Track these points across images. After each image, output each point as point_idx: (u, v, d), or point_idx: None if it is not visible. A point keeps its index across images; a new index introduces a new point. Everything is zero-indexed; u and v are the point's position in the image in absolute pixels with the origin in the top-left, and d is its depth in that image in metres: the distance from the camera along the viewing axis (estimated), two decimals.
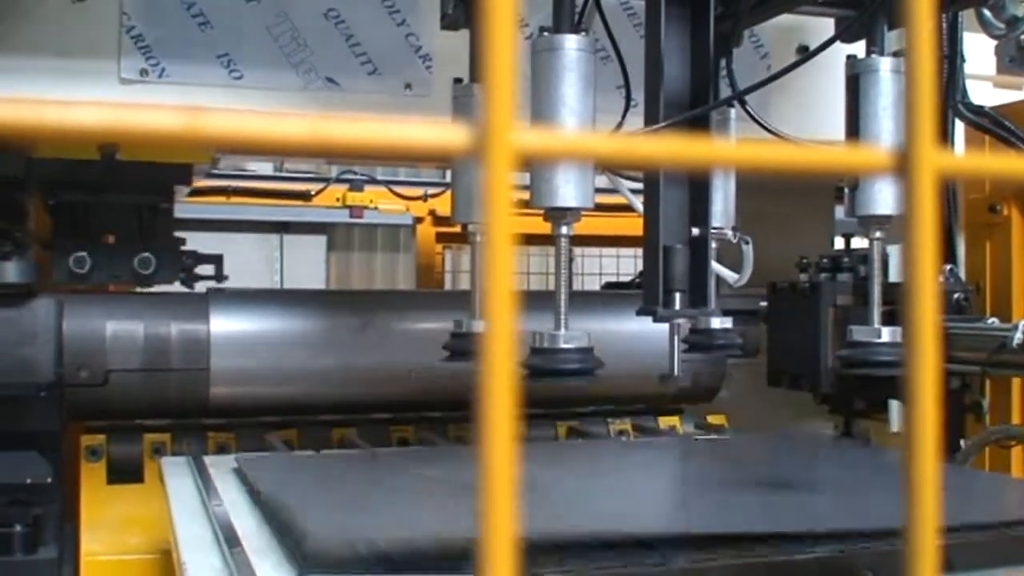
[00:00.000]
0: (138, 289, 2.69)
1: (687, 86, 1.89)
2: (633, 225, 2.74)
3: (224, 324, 2.58)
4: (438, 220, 5.12)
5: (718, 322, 2.03)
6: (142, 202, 2.57)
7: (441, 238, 5.30)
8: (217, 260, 2.75)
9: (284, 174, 5.47)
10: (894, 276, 2.56)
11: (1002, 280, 2.57)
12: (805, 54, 2.39)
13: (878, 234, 1.88)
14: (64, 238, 2.54)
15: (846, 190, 1.91)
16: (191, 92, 2.23)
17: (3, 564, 2.28)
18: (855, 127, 1.85)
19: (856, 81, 1.87)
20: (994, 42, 2.73)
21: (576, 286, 5.09)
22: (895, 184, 0.39)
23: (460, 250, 5.52)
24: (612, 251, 5.59)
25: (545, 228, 1.78)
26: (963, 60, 2.58)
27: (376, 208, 5.19)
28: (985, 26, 2.56)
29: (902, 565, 0.44)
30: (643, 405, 2.93)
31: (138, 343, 2.54)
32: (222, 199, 4.95)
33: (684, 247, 1.84)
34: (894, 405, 2.68)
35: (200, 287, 2.72)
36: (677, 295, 1.83)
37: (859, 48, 1.92)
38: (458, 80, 2.00)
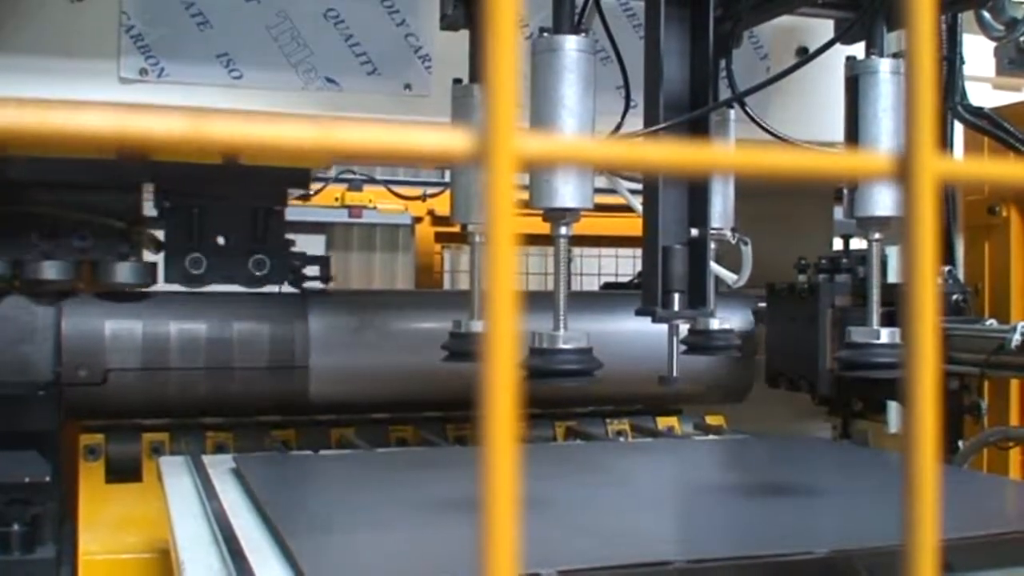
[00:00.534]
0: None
1: (687, 87, 1.89)
2: (632, 225, 2.74)
3: (322, 323, 2.64)
4: (437, 220, 5.12)
5: (717, 323, 2.03)
6: (258, 205, 2.64)
7: (440, 238, 5.31)
8: (324, 261, 2.82)
9: None
10: (893, 277, 2.56)
11: (1001, 281, 2.57)
12: (805, 56, 2.39)
13: (877, 235, 1.88)
14: (177, 240, 2.61)
15: (845, 191, 1.91)
16: (190, 92, 2.23)
17: (1, 563, 2.28)
18: (854, 128, 1.85)
19: (856, 82, 1.87)
20: (993, 44, 2.73)
21: (575, 286, 5.09)
22: (895, 188, 0.39)
23: (459, 250, 5.52)
24: (611, 251, 5.59)
25: (544, 228, 1.78)
26: (962, 62, 2.58)
27: (375, 208, 5.19)
28: (984, 28, 2.56)
29: (901, 566, 0.44)
30: (641, 406, 2.93)
31: (200, 342, 2.60)
32: None
33: (683, 248, 1.84)
34: (892, 406, 2.68)
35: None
36: (676, 296, 1.83)
37: (859, 50, 1.92)
38: (457, 81, 2.00)
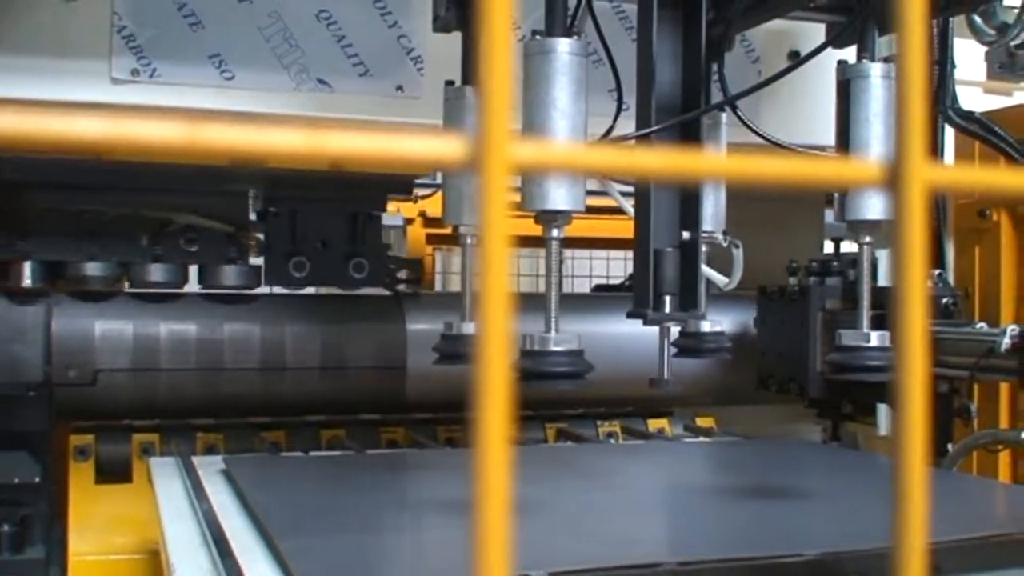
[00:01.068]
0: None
1: (678, 90, 1.90)
2: (623, 228, 2.75)
3: (418, 325, 2.71)
4: (428, 221, 5.12)
5: (708, 325, 2.03)
6: (359, 210, 2.72)
7: (431, 239, 5.30)
8: (415, 265, 2.95)
9: None
10: (883, 280, 2.57)
11: (991, 285, 2.58)
12: (796, 60, 2.40)
13: (867, 239, 1.89)
14: (280, 244, 2.69)
15: (836, 195, 1.92)
16: (182, 92, 2.22)
17: None
18: (846, 133, 1.86)
19: (847, 86, 1.87)
20: (984, 48, 2.74)
21: (566, 288, 5.09)
22: (885, 194, 0.39)
23: (450, 251, 5.51)
24: (602, 254, 5.59)
25: (536, 230, 1.79)
26: (953, 66, 2.59)
27: None
28: (976, 33, 2.57)
29: (890, 568, 0.44)
30: (631, 408, 2.94)
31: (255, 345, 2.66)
32: None
33: (674, 251, 1.85)
34: (882, 409, 2.68)
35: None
36: (667, 298, 1.84)
37: (850, 54, 1.92)
38: (450, 82, 2.00)
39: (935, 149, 2.61)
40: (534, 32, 1.75)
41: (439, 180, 3.29)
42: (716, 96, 1.99)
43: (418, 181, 5.29)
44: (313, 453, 2.42)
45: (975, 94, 2.79)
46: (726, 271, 2.08)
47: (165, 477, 2.04)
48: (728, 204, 2.03)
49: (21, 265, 2.54)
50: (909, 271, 0.38)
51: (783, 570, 1.39)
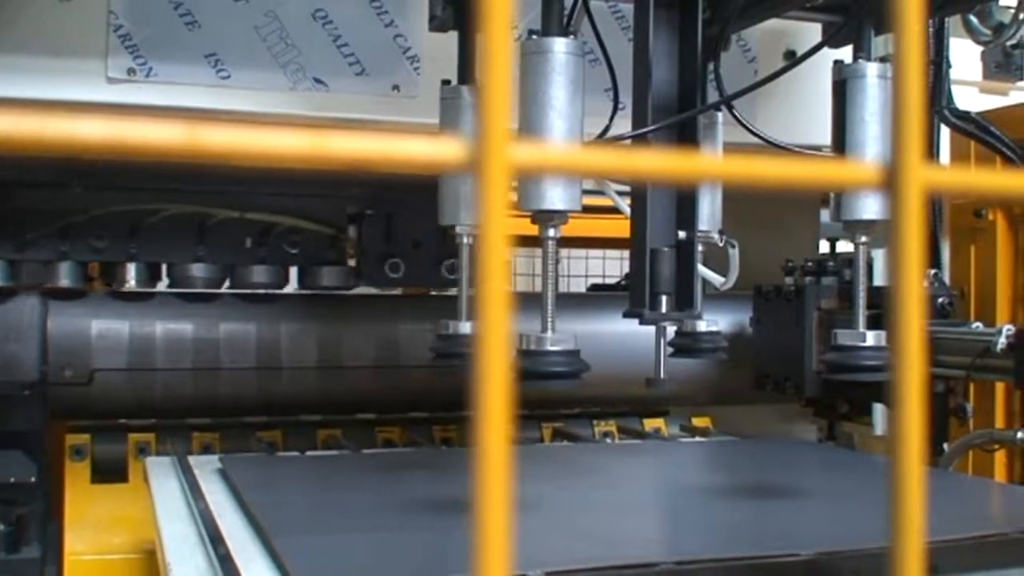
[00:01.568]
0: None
1: (675, 90, 1.90)
2: (619, 227, 2.74)
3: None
4: None
5: (704, 325, 2.04)
6: None
7: None
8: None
9: None
10: (879, 280, 2.57)
11: (987, 284, 2.59)
12: (793, 59, 2.40)
13: (863, 239, 1.89)
14: (374, 245, 2.76)
15: (832, 195, 1.92)
16: (178, 92, 2.22)
17: None
18: (841, 132, 1.86)
19: (843, 86, 1.87)
20: (980, 48, 2.75)
21: (562, 287, 5.09)
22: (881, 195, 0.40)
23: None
24: (598, 253, 5.59)
25: (532, 230, 1.79)
26: (949, 66, 2.59)
27: None
28: (972, 32, 2.57)
29: (886, 568, 0.44)
30: (627, 407, 2.94)
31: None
32: None
33: (671, 250, 1.85)
34: (878, 409, 2.69)
35: None
36: (663, 298, 1.84)
37: (846, 53, 1.93)
38: (446, 82, 2.00)
39: (931, 149, 2.61)
40: (530, 32, 1.75)
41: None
42: (712, 96, 2.00)
43: None
44: (309, 453, 2.42)
45: (971, 94, 2.80)
46: (722, 271, 2.09)
47: (161, 476, 2.04)
48: (724, 204, 2.03)
49: (126, 267, 2.65)
50: (906, 272, 0.39)
51: (779, 570, 1.39)
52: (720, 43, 2.04)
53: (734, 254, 2.06)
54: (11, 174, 2.53)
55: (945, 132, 2.63)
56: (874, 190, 0.38)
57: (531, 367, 1.73)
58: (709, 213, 1.98)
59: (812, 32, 2.24)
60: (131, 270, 2.67)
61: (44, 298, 2.53)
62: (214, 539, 1.54)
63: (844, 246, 2.82)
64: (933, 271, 2.59)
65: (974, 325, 2.45)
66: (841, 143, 1.85)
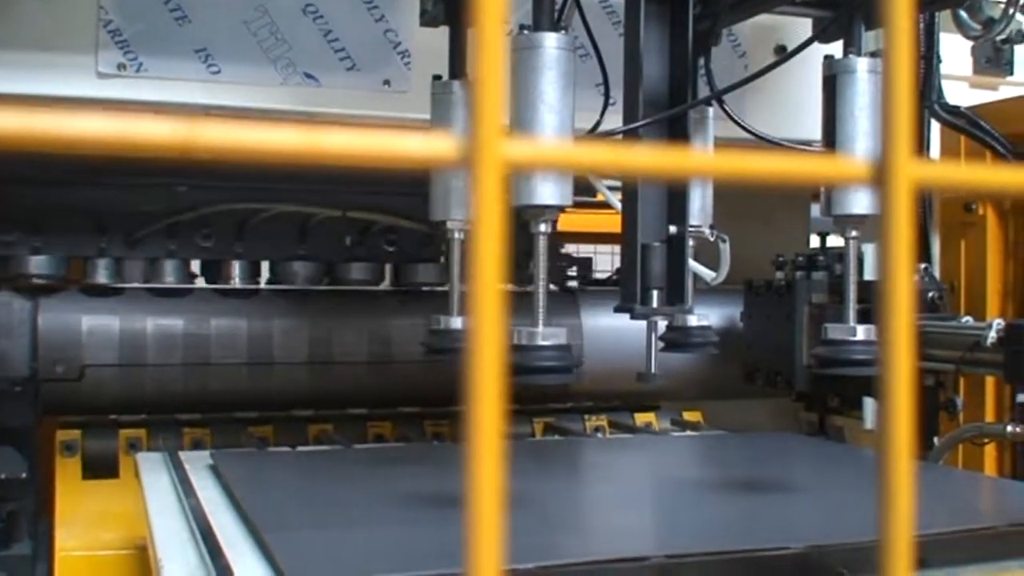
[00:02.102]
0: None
1: (666, 85, 1.90)
2: (610, 222, 2.75)
3: (591, 320, 2.83)
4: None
5: (694, 319, 2.04)
6: None
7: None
8: (586, 263, 3.12)
9: None
10: (869, 274, 2.58)
11: (977, 279, 2.59)
12: (783, 54, 2.41)
13: (853, 233, 1.89)
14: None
15: (822, 189, 1.92)
16: (169, 87, 2.22)
17: None
18: (832, 127, 1.86)
19: (833, 81, 1.88)
20: (970, 43, 2.75)
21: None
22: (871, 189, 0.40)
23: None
24: (589, 247, 5.59)
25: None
26: (939, 60, 2.59)
27: None
28: (961, 27, 2.58)
29: (876, 561, 0.44)
30: (619, 402, 2.95)
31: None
32: None
33: (662, 245, 1.85)
34: (868, 403, 2.69)
35: None
36: (655, 293, 1.84)
37: (836, 48, 1.93)
38: (437, 77, 2.00)
39: (921, 144, 2.62)
40: (522, 27, 1.75)
41: None
42: (703, 91, 2.00)
43: None
44: (300, 448, 2.42)
45: (962, 89, 2.80)
46: (712, 266, 2.09)
47: (152, 472, 2.04)
48: (715, 199, 2.03)
49: (231, 264, 2.71)
50: (895, 266, 0.39)
51: (769, 563, 1.39)
52: (711, 38, 2.05)
53: (725, 249, 2.06)
54: (119, 176, 2.59)
55: (936, 127, 2.64)
56: (864, 185, 0.38)
57: (522, 362, 1.73)
58: (700, 208, 1.98)
59: (802, 27, 2.24)
60: (235, 267, 2.73)
61: (34, 294, 2.53)
62: (205, 535, 1.54)
63: (835, 240, 2.83)
64: (923, 265, 2.60)
65: (964, 319, 2.46)
66: (831, 138, 1.85)
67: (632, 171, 0.35)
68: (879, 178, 0.37)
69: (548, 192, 1.69)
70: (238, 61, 2.27)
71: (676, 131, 1.90)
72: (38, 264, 2.56)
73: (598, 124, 2.02)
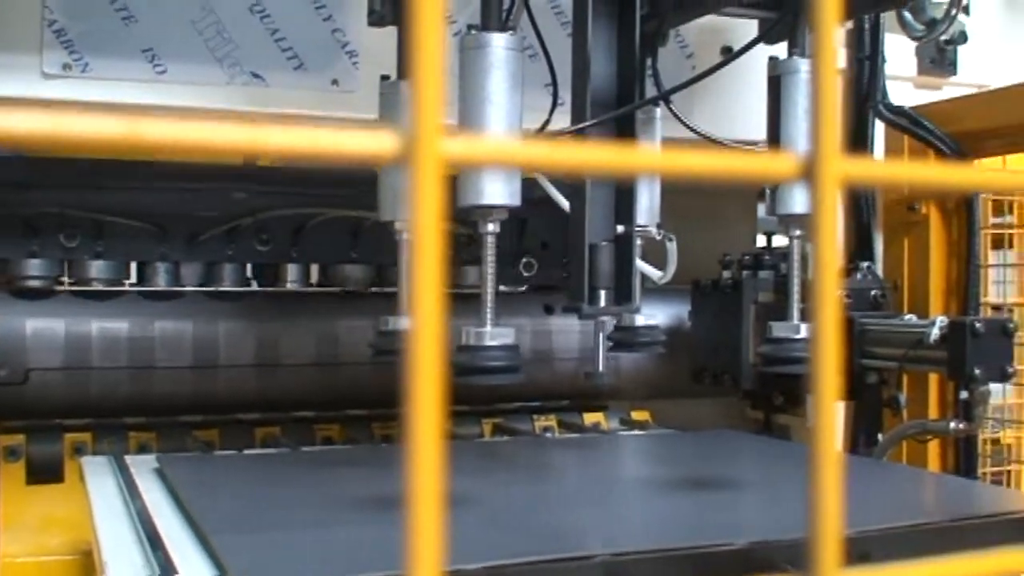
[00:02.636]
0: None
1: (614, 84, 1.91)
2: None
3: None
4: None
5: (642, 319, 2.05)
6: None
7: None
8: None
9: None
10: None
11: (920, 277, 2.62)
12: (729, 55, 2.42)
13: (797, 232, 1.91)
14: (507, 245, 2.78)
15: (767, 189, 1.94)
16: (115, 87, 2.20)
17: None
18: (776, 127, 1.88)
19: (777, 82, 1.90)
20: (915, 44, 2.79)
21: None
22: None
23: None
24: None
25: None
26: (884, 61, 2.63)
27: None
28: (905, 28, 2.61)
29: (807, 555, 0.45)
30: (567, 401, 2.96)
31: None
32: None
33: (609, 245, 1.86)
34: (810, 400, 2.72)
35: None
36: (602, 292, 1.85)
37: (782, 50, 1.95)
38: (385, 77, 2.00)
39: (865, 143, 2.65)
40: (469, 27, 1.75)
41: None
42: (651, 90, 2.01)
43: None
44: (247, 451, 2.40)
45: (907, 89, 2.84)
46: (659, 265, 2.10)
47: (98, 476, 2.02)
48: (662, 198, 2.05)
49: (286, 267, 2.76)
50: (822, 259, 0.40)
51: (713, 559, 1.40)
52: (658, 38, 2.06)
53: (672, 248, 2.08)
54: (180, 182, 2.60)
55: (880, 127, 2.67)
56: (793, 181, 0.39)
57: (469, 362, 1.73)
58: (647, 207, 1.99)
59: (749, 28, 2.26)
60: (291, 271, 2.77)
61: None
62: (151, 538, 1.53)
63: (781, 240, 2.85)
64: (866, 264, 2.63)
65: (907, 317, 2.49)
66: (776, 137, 1.87)
67: (568, 167, 0.36)
68: (807, 174, 0.38)
69: (496, 192, 1.69)
70: (185, 61, 2.25)
71: (624, 131, 1.91)
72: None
73: (546, 124, 2.03)
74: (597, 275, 1.84)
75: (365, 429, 2.74)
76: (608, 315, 1.92)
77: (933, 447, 2.56)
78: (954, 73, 2.90)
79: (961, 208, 2.57)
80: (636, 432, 2.78)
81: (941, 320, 2.28)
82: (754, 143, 2.25)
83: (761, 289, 2.64)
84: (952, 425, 2.35)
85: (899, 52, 2.77)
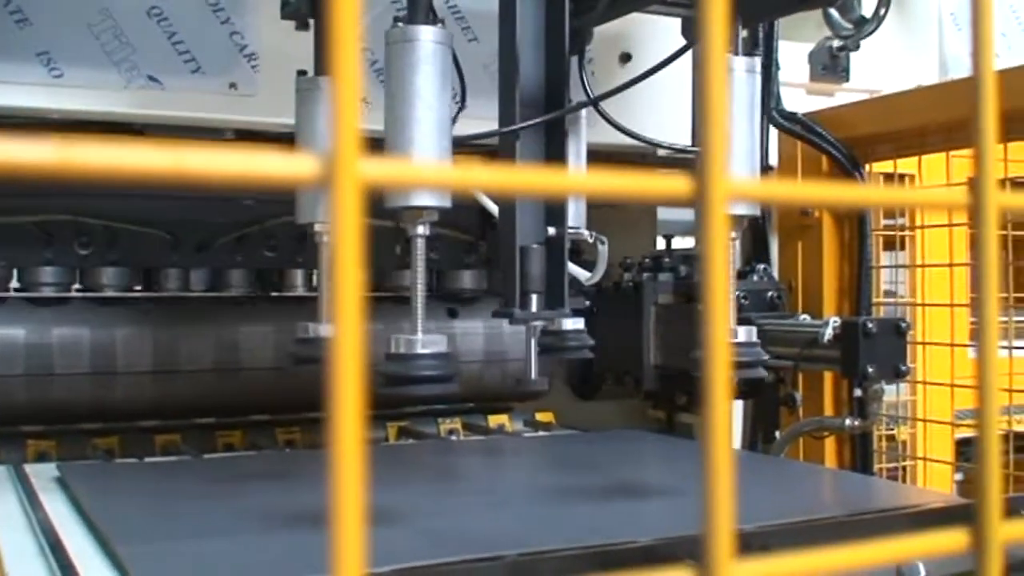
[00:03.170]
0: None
1: (542, 85, 1.88)
2: None
3: None
4: None
5: (570, 323, 2.03)
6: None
7: None
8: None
9: None
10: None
11: (813, 279, 2.68)
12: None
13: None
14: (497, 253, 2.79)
15: None
16: (10, 91, 2.16)
17: None
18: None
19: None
20: (807, 50, 2.85)
21: None
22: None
23: None
24: None
25: None
26: (778, 68, 2.67)
27: None
28: (832, 27, 2.65)
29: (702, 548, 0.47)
30: (472, 404, 2.97)
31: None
32: None
33: (540, 247, 1.83)
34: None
35: None
36: (534, 297, 1.81)
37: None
38: (302, 72, 1.98)
39: (764, 150, 2.70)
40: (396, 19, 1.71)
41: None
42: (577, 91, 1.99)
43: None
44: (148, 459, 2.37)
45: (799, 96, 2.90)
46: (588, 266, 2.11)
47: None
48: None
49: (293, 273, 2.84)
50: (711, 260, 0.41)
51: (619, 556, 1.43)
52: (585, 36, 2.04)
53: (603, 250, 2.08)
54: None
55: (774, 133, 2.72)
56: (683, 203, 0.41)
57: (400, 371, 1.68)
58: (576, 209, 1.97)
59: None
60: (297, 276, 2.84)
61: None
62: (55, 548, 1.51)
63: (680, 242, 2.90)
64: (762, 266, 2.68)
65: (802, 317, 2.54)
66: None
67: (486, 189, 0.37)
68: (697, 196, 0.40)
69: (426, 192, 1.64)
70: (81, 65, 2.22)
71: (553, 133, 1.88)
72: None
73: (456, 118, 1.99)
74: (528, 279, 1.80)
75: (268, 435, 2.72)
76: (540, 320, 1.88)
77: (830, 444, 2.62)
78: (846, 79, 2.97)
79: (853, 213, 2.63)
80: (540, 433, 2.80)
81: (834, 320, 2.33)
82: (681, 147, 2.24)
83: (661, 291, 2.68)
84: (847, 422, 2.41)
85: (792, 58, 2.83)
